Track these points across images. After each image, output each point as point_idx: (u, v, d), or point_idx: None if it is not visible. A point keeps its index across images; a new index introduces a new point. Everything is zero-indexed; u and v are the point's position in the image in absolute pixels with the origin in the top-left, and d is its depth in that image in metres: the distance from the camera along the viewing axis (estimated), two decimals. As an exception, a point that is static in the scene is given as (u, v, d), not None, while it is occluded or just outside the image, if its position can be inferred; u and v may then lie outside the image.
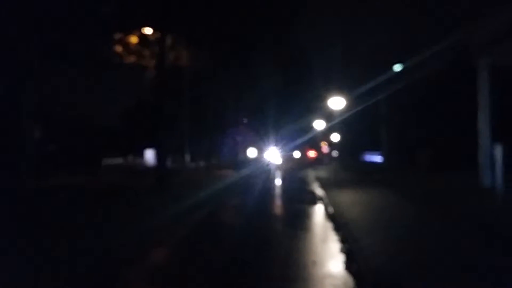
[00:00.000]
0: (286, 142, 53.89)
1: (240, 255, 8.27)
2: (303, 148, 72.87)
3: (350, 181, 23.26)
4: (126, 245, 8.82)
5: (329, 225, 10.99)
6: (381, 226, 9.82)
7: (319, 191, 19.84)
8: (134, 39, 20.37)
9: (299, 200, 17.37)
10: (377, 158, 43.62)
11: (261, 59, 26.36)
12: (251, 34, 21.15)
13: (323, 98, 31.98)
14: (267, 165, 47.98)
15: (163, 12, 18.86)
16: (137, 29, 20.11)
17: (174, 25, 19.86)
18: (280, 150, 56.85)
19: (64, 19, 17.69)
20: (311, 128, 49.98)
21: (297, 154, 71.37)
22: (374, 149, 44.51)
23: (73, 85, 22.95)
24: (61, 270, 6.99)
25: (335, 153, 63.87)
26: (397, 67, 29.23)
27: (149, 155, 41.63)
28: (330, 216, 12.29)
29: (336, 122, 26.06)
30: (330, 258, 7.86)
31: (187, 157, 24.26)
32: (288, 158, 62.65)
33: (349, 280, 6.33)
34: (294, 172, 39.37)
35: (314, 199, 17.26)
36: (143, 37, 20.15)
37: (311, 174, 35.19)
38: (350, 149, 47.06)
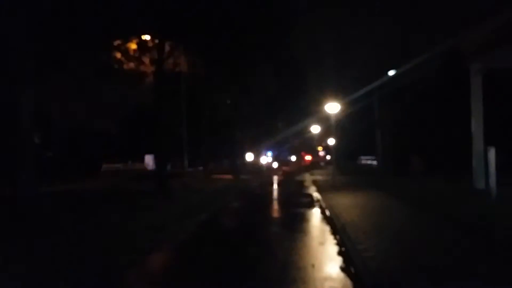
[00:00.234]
0: (283, 146, 54.16)
1: (239, 257, 8.50)
2: (299, 152, 73.19)
3: (346, 185, 23.52)
4: (126, 250, 8.96)
5: (326, 228, 11.24)
6: (378, 228, 10.04)
7: (316, 194, 20.09)
8: (133, 46, 20.57)
9: (296, 203, 17.58)
10: (372, 162, 43.90)
11: (258, 65, 26.59)
12: (247, 42, 21.39)
13: (319, 103, 32.23)
14: (264, 169, 48.20)
15: (161, 19, 19.07)
16: (136, 35, 20.30)
17: (172, 32, 20.06)
18: (277, 154, 57.15)
19: (63, 25, 17.87)
20: (307, 132, 50.33)
21: (293, 158, 71.65)
22: (369, 153, 44.83)
23: (71, 91, 23.09)
24: (63, 277, 7.18)
25: (328, 157, 63.95)
26: (391, 72, 29.50)
27: (148, 160, 41.77)
28: (328, 219, 12.54)
29: (331, 126, 26.26)
30: (329, 260, 8.07)
31: (186, 162, 24.46)
32: (285, 162, 62.96)
33: (348, 282, 6.57)
34: (291, 176, 39.61)
35: (311, 202, 17.51)
36: (142, 43, 20.34)
37: (307, 177, 35.46)
38: (346, 152, 47.33)
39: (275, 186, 29.18)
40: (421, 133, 29.72)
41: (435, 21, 21.45)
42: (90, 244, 9.36)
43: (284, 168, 57.21)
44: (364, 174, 32.50)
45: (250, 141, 46.64)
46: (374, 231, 9.72)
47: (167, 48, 20.44)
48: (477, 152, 16.76)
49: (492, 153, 13.10)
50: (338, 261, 7.82)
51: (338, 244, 9.14)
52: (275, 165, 56.20)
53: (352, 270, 7.04)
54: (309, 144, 70.84)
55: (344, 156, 47.15)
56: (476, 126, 17.08)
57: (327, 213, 13.52)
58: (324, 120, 37.00)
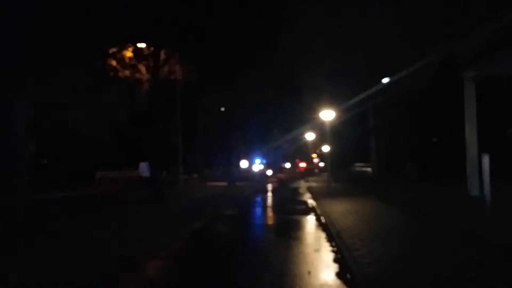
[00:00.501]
0: (278, 153, 54.22)
1: (235, 265, 8.50)
2: (293, 159, 73.30)
3: (341, 191, 23.56)
4: (122, 258, 8.93)
5: (322, 235, 11.26)
6: (374, 235, 10.05)
7: (311, 201, 20.12)
8: (128, 53, 20.57)
9: (291, 210, 17.60)
10: (367, 169, 44.02)
11: (252, 73, 26.67)
12: (242, 49, 21.45)
13: (313, 110, 32.36)
14: (259, 176, 48.20)
15: (157, 27, 19.12)
16: (131, 43, 20.32)
17: (168, 39, 20.11)
18: (272, 162, 57.20)
19: (58, 33, 17.86)
20: (302, 139, 50.43)
21: (288, 165, 71.72)
22: (364, 160, 44.95)
23: (67, 99, 23.09)
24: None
25: (322, 164, 63.96)
26: (385, 80, 29.70)
27: (143, 168, 41.68)
28: (323, 226, 12.56)
29: (326, 133, 26.34)
30: (325, 267, 8.08)
31: (181, 169, 24.47)
32: (279, 169, 63.00)
33: (344, 288, 6.61)
34: (286, 183, 39.64)
35: (306, 209, 17.53)
36: (137, 51, 20.36)
37: (302, 184, 35.50)
38: (341, 159, 47.43)
39: (270, 193, 29.18)
40: (415, 140, 29.90)
41: (429, 29, 21.66)
42: (81, 251, 9.34)
43: (279, 175, 57.24)
44: (359, 181, 32.56)
45: (244, 149, 46.70)
46: (370, 238, 9.73)
47: (162, 56, 20.49)
48: (471, 159, 16.87)
49: (486, 160, 13.16)
50: (334, 268, 7.84)
51: (334, 251, 9.15)
52: (269, 172, 56.23)
53: (349, 276, 7.06)
54: (304, 151, 70.97)
55: (339, 163, 47.23)
56: (470, 133, 17.19)
57: (323, 220, 13.54)
58: (319, 127, 37.09)
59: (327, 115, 23.92)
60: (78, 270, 7.88)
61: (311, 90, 38.91)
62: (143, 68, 20.86)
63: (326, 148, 38.88)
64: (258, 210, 19.01)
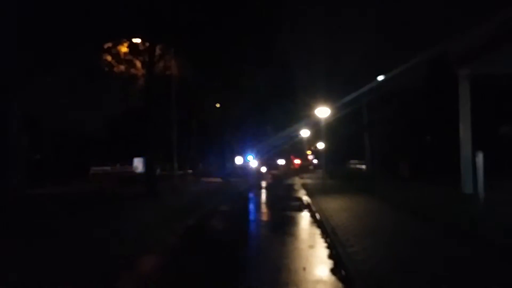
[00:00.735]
0: (272, 150, 54.24)
1: (230, 261, 8.53)
2: (288, 156, 73.36)
3: (336, 188, 23.62)
4: (117, 256, 8.95)
5: (317, 231, 11.30)
6: (368, 232, 10.10)
7: (306, 198, 20.16)
8: (123, 49, 20.54)
9: (286, 206, 17.63)
10: (361, 166, 44.11)
11: (248, 68, 26.66)
12: (237, 45, 21.44)
13: (308, 107, 32.40)
14: (253, 172, 48.24)
15: (152, 22, 19.08)
16: (127, 38, 20.29)
17: (163, 35, 20.07)
18: (266, 158, 57.23)
19: (53, 28, 17.80)
20: (297, 136, 50.48)
21: (282, 161, 71.78)
22: (358, 157, 45.03)
23: (61, 94, 22.98)
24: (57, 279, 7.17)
25: (315, 161, 63.93)
26: (380, 78, 29.75)
27: (137, 163, 41.62)
28: (318, 222, 12.60)
29: (321, 130, 26.38)
30: (320, 263, 8.12)
31: (176, 165, 24.45)
32: (274, 166, 63.05)
33: (339, 285, 6.64)
34: (280, 180, 39.69)
35: (301, 206, 17.58)
36: (133, 46, 20.33)
37: (297, 181, 35.56)
38: (335, 156, 47.51)
39: (265, 189, 29.22)
40: (408, 138, 29.99)
41: (424, 27, 21.75)
42: (76, 248, 9.35)
43: (273, 171, 57.31)
44: (353, 178, 32.61)
45: (239, 145, 46.71)
46: (364, 234, 9.77)
47: (157, 51, 20.47)
48: (465, 156, 16.93)
49: (480, 158, 13.23)
50: (329, 264, 7.88)
51: (328, 247, 9.19)
52: (264, 169, 56.29)
53: (343, 272, 7.10)
54: (298, 148, 71.02)
55: (333, 160, 47.32)
56: (464, 131, 17.25)
57: (317, 216, 13.57)
58: (314, 124, 37.15)
59: (322, 112, 23.93)
60: (74, 268, 7.89)
61: (307, 87, 38.96)
62: (138, 63, 20.83)
63: (321, 145, 38.99)
64: (253, 206, 19.03)
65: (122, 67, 21.08)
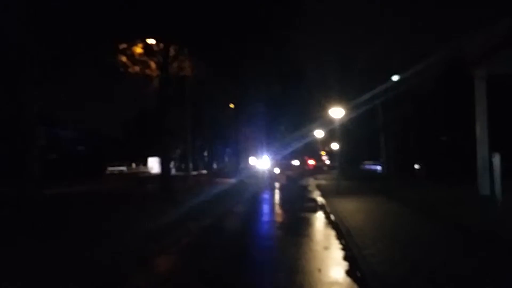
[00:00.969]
0: (286, 150, 54.11)
1: (245, 262, 8.54)
2: (302, 157, 73.14)
3: (351, 189, 23.46)
4: (130, 255, 9.03)
5: (332, 233, 11.24)
6: (384, 233, 10.02)
7: (320, 199, 20.08)
8: (138, 50, 20.69)
9: (301, 207, 17.57)
10: (376, 167, 43.87)
11: (261, 69, 26.68)
12: (251, 46, 21.47)
13: (323, 107, 32.27)
14: (268, 173, 48.21)
15: (166, 24, 19.19)
16: (141, 39, 20.43)
17: (177, 36, 20.17)
18: (280, 159, 57.10)
19: (69, 29, 17.99)
20: (311, 136, 50.30)
21: (296, 162, 71.56)
22: (373, 157, 44.80)
23: (77, 95, 23.24)
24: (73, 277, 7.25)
25: (328, 162, 63.51)
26: (395, 78, 29.54)
27: (152, 163, 41.91)
28: (333, 224, 12.54)
29: (336, 131, 26.27)
30: (335, 265, 8.08)
31: (190, 165, 24.55)
32: (288, 167, 62.91)
33: (354, 287, 6.60)
34: (295, 180, 39.59)
35: (316, 207, 17.52)
36: (147, 47, 20.47)
37: (311, 182, 35.45)
38: (350, 157, 47.32)
39: (279, 190, 29.16)
40: (424, 139, 29.73)
41: (439, 26, 21.51)
42: (91, 247, 9.44)
43: (287, 172, 57.17)
44: (368, 179, 32.44)
45: (253, 145, 46.73)
46: (380, 236, 9.70)
47: (172, 52, 20.57)
48: (482, 158, 16.73)
49: (497, 159, 13.08)
50: (344, 265, 7.83)
51: (343, 249, 9.14)
52: (277, 169, 56.22)
53: (359, 274, 7.05)
54: (313, 149, 70.83)
55: (348, 160, 47.12)
56: (481, 132, 17.05)
57: (332, 217, 13.51)
58: (328, 124, 36.99)
59: (337, 112, 23.80)
60: (90, 265, 7.96)
61: (321, 87, 38.81)
62: (153, 64, 20.95)
63: (335, 146, 38.83)
64: (267, 207, 19.01)
65: (137, 68, 21.24)
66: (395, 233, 10.13)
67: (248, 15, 20.12)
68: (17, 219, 13.72)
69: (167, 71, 20.20)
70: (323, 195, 21.37)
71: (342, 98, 27.85)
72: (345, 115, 24.84)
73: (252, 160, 49.55)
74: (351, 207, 15.27)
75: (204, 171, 40.48)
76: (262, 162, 49.82)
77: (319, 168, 71.10)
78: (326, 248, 9.54)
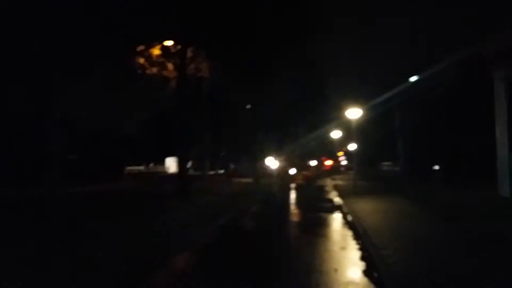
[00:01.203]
0: (303, 151, 54.00)
1: (263, 261, 8.58)
2: (319, 157, 72.84)
3: (368, 190, 23.40)
4: (154, 252, 9.18)
5: (349, 233, 11.27)
6: (401, 234, 10.01)
7: (337, 199, 20.08)
8: (156, 51, 20.89)
9: (318, 208, 17.58)
10: (394, 168, 43.59)
11: (278, 70, 26.71)
12: (268, 48, 21.55)
13: (340, 108, 32.15)
14: (284, 173, 48.19)
15: (184, 25, 19.37)
16: (159, 41, 20.63)
17: (194, 38, 20.32)
18: (297, 159, 56.98)
19: (87, 32, 18.28)
20: (328, 137, 50.15)
21: (314, 163, 71.28)
22: (390, 158, 44.50)
23: (96, 95, 23.54)
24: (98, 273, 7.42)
25: (344, 162, 63.02)
26: (412, 79, 29.31)
27: (169, 163, 42.22)
28: (350, 224, 12.56)
29: (352, 131, 26.18)
30: (352, 265, 8.11)
31: (207, 165, 24.68)
32: (305, 167, 62.72)
33: (371, 286, 6.63)
34: (311, 181, 39.56)
35: (333, 207, 17.53)
36: (164, 49, 20.66)
37: (328, 182, 35.39)
38: (367, 158, 47.06)
39: (296, 190, 29.18)
40: (442, 140, 29.44)
41: (458, 27, 21.31)
42: (114, 247, 9.62)
43: (304, 172, 57.04)
44: (385, 180, 32.29)
45: (270, 146, 46.71)
46: (397, 236, 9.69)
47: (189, 53, 20.72)
48: (502, 159, 16.58)
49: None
50: (361, 265, 7.86)
51: (360, 249, 9.16)
52: (293, 170, 56.11)
53: (375, 275, 7.08)
54: (330, 149, 70.53)
55: (365, 161, 46.85)
56: (501, 133, 16.89)
57: (349, 218, 13.53)
58: (345, 125, 36.84)
59: (354, 113, 23.76)
60: (110, 263, 8.12)
61: (338, 88, 38.66)
62: (170, 66, 21.13)
63: (352, 147, 38.67)
64: (284, 207, 19.03)
65: (154, 70, 21.44)
66: (412, 234, 10.11)
67: (270, 23, 20.20)
68: (59, 216, 14.03)
69: (184, 72, 20.35)
70: (340, 196, 21.37)
71: (359, 98, 27.72)
72: (362, 115, 24.75)
73: (270, 161, 49.55)
74: (368, 208, 15.25)
75: (221, 171, 40.60)
76: (278, 163, 49.81)
77: (336, 168, 70.81)
78: (343, 248, 9.57)
